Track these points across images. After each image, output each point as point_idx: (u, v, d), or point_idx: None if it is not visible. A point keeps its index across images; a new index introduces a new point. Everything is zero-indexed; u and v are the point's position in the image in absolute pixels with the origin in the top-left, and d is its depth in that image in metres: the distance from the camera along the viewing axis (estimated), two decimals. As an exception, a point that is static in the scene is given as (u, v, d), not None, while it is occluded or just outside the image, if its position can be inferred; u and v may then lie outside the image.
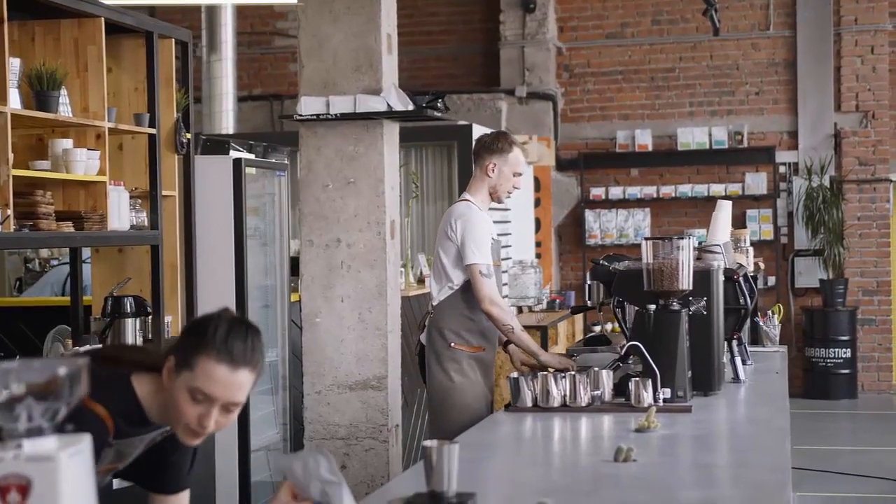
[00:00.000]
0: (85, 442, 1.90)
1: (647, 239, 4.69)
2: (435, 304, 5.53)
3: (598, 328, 10.80)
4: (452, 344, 5.44)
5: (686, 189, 13.23)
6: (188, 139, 6.24)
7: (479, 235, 5.34)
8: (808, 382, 12.83)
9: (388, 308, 5.90)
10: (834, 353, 12.68)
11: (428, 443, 2.88)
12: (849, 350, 12.70)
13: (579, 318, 11.45)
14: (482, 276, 5.29)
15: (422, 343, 5.66)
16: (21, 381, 1.89)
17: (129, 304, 5.69)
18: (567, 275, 13.54)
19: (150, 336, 5.87)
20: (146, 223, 5.88)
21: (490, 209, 5.59)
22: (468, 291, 5.37)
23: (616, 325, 6.27)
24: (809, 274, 13.04)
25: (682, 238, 4.65)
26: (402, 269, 8.46)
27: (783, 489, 3.05)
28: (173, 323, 6.13)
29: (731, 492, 3.22)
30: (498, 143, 5.52)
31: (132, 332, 5.66)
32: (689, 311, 4.67)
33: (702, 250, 5.45)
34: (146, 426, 2.89)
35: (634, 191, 13.34)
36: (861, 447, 10.42)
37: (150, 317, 5.85)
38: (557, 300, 11.11)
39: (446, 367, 5.45)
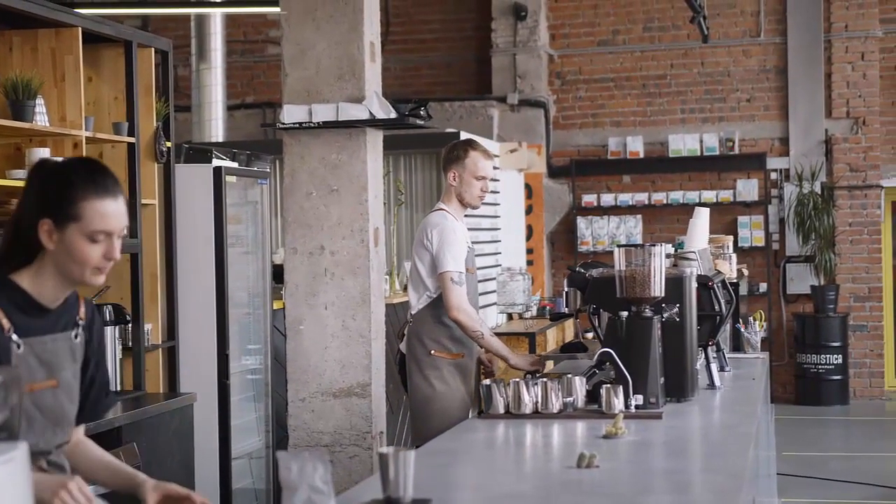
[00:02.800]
0: (19, 450, 1.92)
1: (619, 246, 4.70)
2: (413, 312, 5.58)
3: (590, 335, 10.78)
4: (432, 351, 5.49)
5: (678, 196, 13.24)
6: (168, 148, 6.26)
7: (454, 244, 5.40)
8: (800, 389, 12.84)
9: (372, 315, 5.91)
10: (825, 359, 12.68)
11: (383, 450, 2.91)
12: (840, 356, 12.70)
13: (570, 324, 11.45)
14: (453, 284, 5.34)
15: (401, 352, 5.69)
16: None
17: (108, 313, 5.70)
18: (559, 282, 13.53)
19: (129, 344, 5.88)
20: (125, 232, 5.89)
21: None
22: (446, 299, 5.41)
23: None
24: (801, 280, 13.05)
25: (655, 245, 4.65)
26: (388, 277, 8.49)
27: (737, 493, 3.07)
28: (153, 331, 6.15)
29: (687, 497, 3.23)
30: (454, 151, 5.60)
31: (111, 340, 5.67)
32: (662, 317, 4.68)
33: (677, 257, 5.46)
34: (45, 314, 2.94)
35: (626, 198, 13.35)
36: (852, 453, 10.42)
37: (129, 325, 5.86)
38: (548, 307, 11.11)
39: (427, 375, 5.49)
